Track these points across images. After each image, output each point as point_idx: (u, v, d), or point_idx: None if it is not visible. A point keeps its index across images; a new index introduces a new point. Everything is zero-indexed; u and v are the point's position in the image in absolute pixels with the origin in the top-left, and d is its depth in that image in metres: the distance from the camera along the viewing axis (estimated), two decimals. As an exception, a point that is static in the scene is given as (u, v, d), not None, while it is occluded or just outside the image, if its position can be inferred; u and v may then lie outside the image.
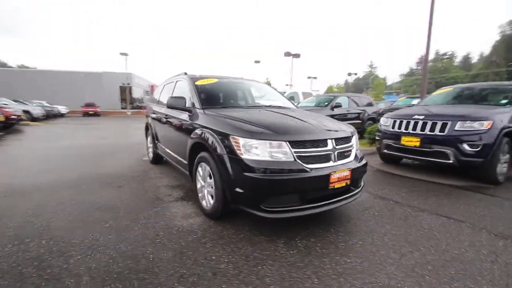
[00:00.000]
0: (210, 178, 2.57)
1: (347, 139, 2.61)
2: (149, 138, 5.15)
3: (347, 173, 2.38)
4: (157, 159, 5.00)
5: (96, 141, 8.31)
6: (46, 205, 2.98)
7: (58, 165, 4.97)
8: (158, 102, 4.73)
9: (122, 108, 31.88)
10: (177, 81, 4.02)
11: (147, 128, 5.37)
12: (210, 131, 2.59)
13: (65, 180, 3.95)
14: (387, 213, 2.89)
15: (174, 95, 3.95)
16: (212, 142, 2.48)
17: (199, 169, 2.80)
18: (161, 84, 5.19)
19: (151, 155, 5.10)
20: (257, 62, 30.10)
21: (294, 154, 2.21)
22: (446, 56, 75.81)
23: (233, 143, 2.26)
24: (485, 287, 1.70)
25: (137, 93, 36.65)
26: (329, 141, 2.40)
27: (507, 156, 4.01)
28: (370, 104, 10.66)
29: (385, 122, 4.95)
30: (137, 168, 4.83)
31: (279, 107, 3.52)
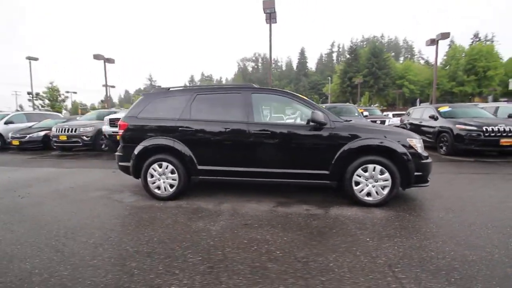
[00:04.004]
0: (382, 174, 3.32)
1: None
2: (162, 168, 3.68)
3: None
4: (184, 190, 3.78)
5: None
6: None
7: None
8: (191, 119, 3.72)
9: None
10: (253, 93, 3.71)
11: (144, 154, 3.72)
12: (372, 138, 3.35)
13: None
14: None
15: (255, 110, 3.71)
16: (391, 145, 3.31)
17: (360, 171, 3.35)
18: (188, 96, 3.91)
19: (169, 188, 3.70)
20: (32, 59, 20.96)
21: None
22: (208, 78, 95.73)
23: (410, 143, 3.34)
24: None
25: None
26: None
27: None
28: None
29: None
30: (174, 210, 3.39)
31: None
